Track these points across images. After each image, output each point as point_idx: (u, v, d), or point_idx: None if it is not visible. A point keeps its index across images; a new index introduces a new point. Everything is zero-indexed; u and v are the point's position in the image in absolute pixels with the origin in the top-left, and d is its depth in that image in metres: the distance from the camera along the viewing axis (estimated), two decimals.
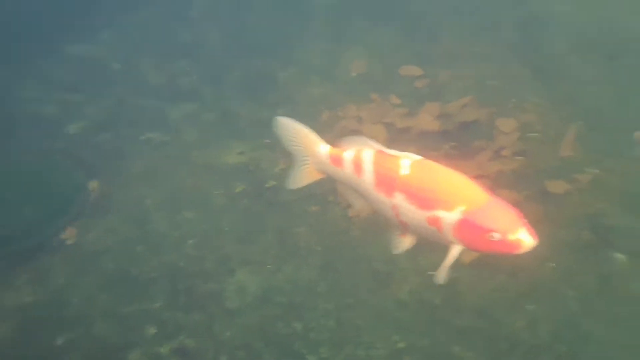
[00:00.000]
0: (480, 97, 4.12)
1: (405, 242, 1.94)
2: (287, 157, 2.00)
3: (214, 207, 3.79)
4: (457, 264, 1.78)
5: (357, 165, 1.97)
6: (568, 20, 4.59)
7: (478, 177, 3.52)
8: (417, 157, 1.85)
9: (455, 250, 1.78)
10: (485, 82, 4.30)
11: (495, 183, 3.46)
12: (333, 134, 3.94)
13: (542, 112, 3.99)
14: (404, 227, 1.90)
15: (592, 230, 3.13)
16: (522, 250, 1.64)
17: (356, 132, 3.95)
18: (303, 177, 2.15)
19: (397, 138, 3.88)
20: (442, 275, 1.79)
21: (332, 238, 3.43)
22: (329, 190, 3.60)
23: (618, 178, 3.41)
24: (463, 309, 2.88)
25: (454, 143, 3.82)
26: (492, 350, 2.69)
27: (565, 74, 4.23)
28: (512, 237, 1.63)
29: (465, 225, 1.71)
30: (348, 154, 2.00)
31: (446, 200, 1.74)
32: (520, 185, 3.46)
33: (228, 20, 5.75)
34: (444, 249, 1.78)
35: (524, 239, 1.63)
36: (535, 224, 1.67)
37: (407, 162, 1.83)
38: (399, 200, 1.84)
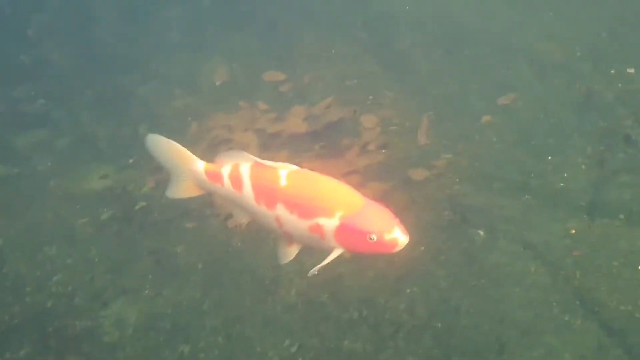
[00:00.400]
0: (342, 96, 4.32)
1: (291, 252, 2.01)
2: (156, 174, 1.97)
3: (80, 238, 3.59)
4: (340, 259, 1.89)
5: (236, 180, 1.98)
6: (412, 18, 4.96)
7: (349, 173, 3.72)
8: (294, 167, 1.92)
9: (334, 254, 1.89)
10: (345, 81, 4.52)
11: (364, 177, 3.66)
12: (205, 145, 3.92)
13: (397, 105, 4.28)
14: (289, 237, 1.97)
15: (452, 211, 3.43)
16: (398, 248, 1.79)
17: (228, 142, 3.98)
18: (183, 190, 2.13)
19: (269, 143, 3.95)
20: (316, 271, 1.87)
21: (214, 252, 3.41)
22: (206, 204, 3.58)
23: (469, 160, 3.76)
24: (349, 302, 3.03)
25: (323, 143, 3.98)
26: (378, 337, 2.86)
27: (414, 68, 4.57)
28: (388, 236, 1.78)
29: (345, 230, 1.82)
30: (225, 169, 2.01)
31: (325, 208, 1.83)
32: (386, 176, 3.69)
33: (73, 37, 5.44)
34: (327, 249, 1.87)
35: (399, 237, 1.78)
36: (403, 211, 1.83)
37: (284, 173, 1.89)
38: (281, 211, 1.90)
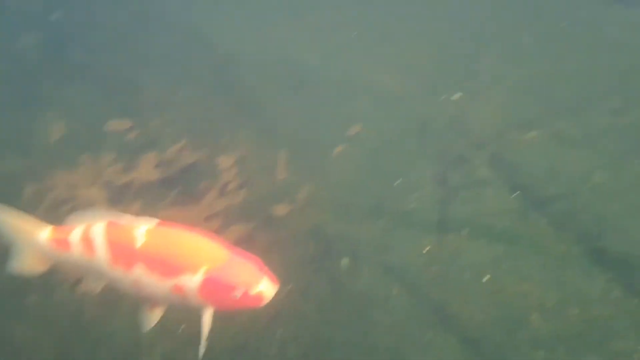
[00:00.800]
0: (194, 139, 4.24)
1: (154, 316, 1.86)
2: None
3: None
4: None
5: (88, 243, 1.79)
6: (257, 60, 5.06)
7: (209, 217, 3.63)
8: (152, 222, 1.78)
9: (207, 316, 1.78)
10: (197, 123, 4.45)
11: (225, 219, 3.60)
12: (43, 208, 3.58)
13: (252, 144, 4.30)
14: (150, 300, 1.83)
15: (316, 242, 3.50)
16: (265, 301, 1.73)
17: (70, 200, 3.68)
18: (28, 264, 1.88)
19: (119, 196, 3.73)
20: (203, 348, 1.76)
21: (64, 326, 3.09)
22: (48, 272, 3.25)
23: (327, 191, 3.88)
24: (219, 355, 2.92)
25: (178, 189, 3.85)
26: None
27: (264, 107, 4.64)
28: (254, 291, 1.70)
29: (209, 285, 1.72)
30: (75, 233, 1.81)
31: (188, 264, 1.72)
32: (248, 216, 3.67)
33: None
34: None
35: (266, 289, 1.71)
36: (268, 251, 1.79)
37: (142, 230, 1.75)
38: (140, 273, 1.75)
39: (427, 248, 3.34)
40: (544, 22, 4.49)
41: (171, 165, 4.02)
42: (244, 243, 1.87)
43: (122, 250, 1.76)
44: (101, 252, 1.79)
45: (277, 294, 1.80)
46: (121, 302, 2.98)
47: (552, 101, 3.76)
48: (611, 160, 3.25)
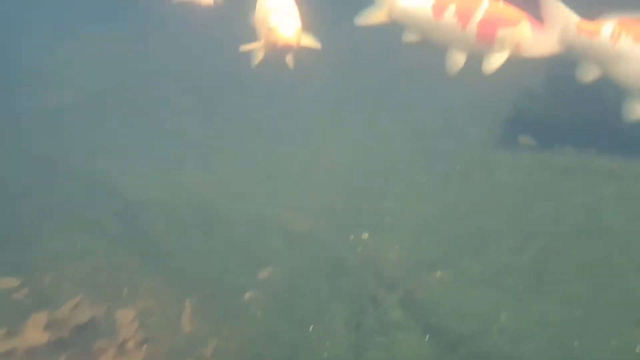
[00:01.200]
0: (92, 293, 3.97)
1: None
2: None
3: None
4: None
5: None
6: (164, 204, 4.96)
7: None
8: None
9: None
10: (96, 276, 4.20)
11: None
12: None
13: (156, 294, 4.07)
14: None
15: None
16: None
17: None
18: None
19: None
20: None
21: None
22: None
23: (237, 342, 3.67)
24: None
25: (70, 352, 3.51)
26: None
27: (171, 253, 4.48)
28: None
29: None
30: None
31: None
32: None
33: None
34: None
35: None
36: None
37: None
38: None
39: None
40: (441, 162, 4.77)
41: (64, 325, 3.69)
42: None
43: None
44: None
45: None
46: None
47: (454, 240, 3.88)
48: (515, 300, 3.32)
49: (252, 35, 4.50)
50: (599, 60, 3.94)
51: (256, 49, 4.10)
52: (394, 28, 4.87)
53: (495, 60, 3.96)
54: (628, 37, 3.75)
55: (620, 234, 3.67)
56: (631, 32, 3.72)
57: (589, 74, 3.99)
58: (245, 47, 4.18)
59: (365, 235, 4.43)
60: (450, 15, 4.01)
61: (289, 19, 3.89)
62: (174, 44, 7.57)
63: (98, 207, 4.94)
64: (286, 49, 3.97)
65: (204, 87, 6.44)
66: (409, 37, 4.29)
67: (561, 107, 4.86)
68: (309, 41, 4.17)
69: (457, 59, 4.07)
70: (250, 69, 4.56)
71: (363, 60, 6.53)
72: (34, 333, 3.60)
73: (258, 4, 4.34)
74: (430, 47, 4.75)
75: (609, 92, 4.27)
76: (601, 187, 4.09)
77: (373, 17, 4.35)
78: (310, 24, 4.34)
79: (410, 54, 5.83)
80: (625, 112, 4.02)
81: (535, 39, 3.96)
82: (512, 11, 3.97)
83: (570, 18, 3.98)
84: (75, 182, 5.22)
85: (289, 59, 4.41)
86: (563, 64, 4.16)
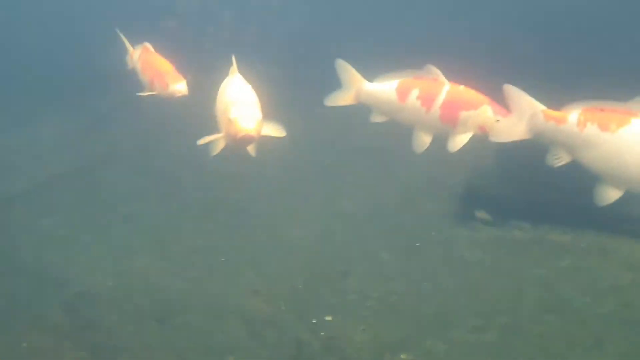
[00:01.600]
0: None
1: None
2: None
3: None
4: None
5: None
6: (117, 294, 4.74)
7: None
8: None
9: None
10: None
11: None
12: None
13: None
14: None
15: None
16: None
17: None
18: None
19: None
20: None
21: None
22: None
23: None
24: None
25: None
26: None
27: (124, 346, 4.22)
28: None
29: None
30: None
31: None
32: None
33: None
34: None
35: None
36: None
37: None
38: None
39: None
40: (401, 239, 4.79)
41: None
42: None
43: None
44: None
45: None
46: None
47: (418, 319, 3.82)
48: None
49: (213, 122, 4.55)
50: (568, 147, 4.16)
51: (216, 140, 4.13)
52: (352, 108, 5.04)
53: (460, 141, 4.15)
54: (594, 125, 3.99)
55: (578, 307, 3.71)
56: (596, 120, 3.97)
57: (559, 159, 4.20)
58: (204, 140, 4.20)
59: (329, 318, 4.32)
60: (413, 98, 4.22)
61: (249, 111, 3.93)
62: (132, 128, 7.58)
63: (46, 300, 4.67)
64: (246, 141, 4.00)
65: (160, 171, 6.39)
66: (376, 118, 4.51)
67: (513, 184, 5.03)
68: (271, 130, 4.23)
69: (423, 139, 4.26)
70: (208, 153, 4.57)
71: (322, 139, 6.66)
72: None
73: (219, 95, 4.42)
74: (388, 126, 4.91)
75: (557, 169, 4.45)
76: (556, 261, 4.18)
77: (341, 99, 4.55)
78: (274, 108, 4.43)
79: (368, 133, 6.01)
80: (596, 197, 4.20)
81: (502, 124, 4.20)
82: (474, 94, 4.19)
83: (536, 106, 4.23)
84: (21, 276, 4.96)
85: (251, 148, 4.45)
86: (515, 145, 4.35)
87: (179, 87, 5.41)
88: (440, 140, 4.47)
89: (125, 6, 9.46)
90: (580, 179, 4.59)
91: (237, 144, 4.07)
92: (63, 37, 9.76)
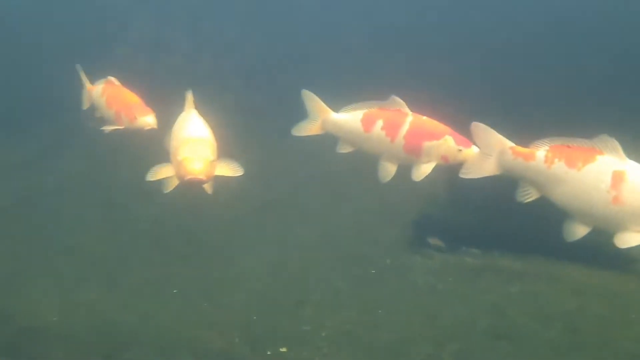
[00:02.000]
0: None
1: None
2: None
3: None
4: None
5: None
6: (62, 330, 4.53)
7: None
8: None
9: None
10: None
11: None
12: None
13: None
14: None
15: None
16: None
17: None
18: None
19: None
20: None
21: None
22: None
23: None
24: None
25: None
26: None
27: None
28: None
29: None
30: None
31: None
32: None
33: None
34: None
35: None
36: None
37: None
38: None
39: None
40: (355, 267, 4.79)
41: None
42: None
43: None
44: None
45: None
46: None
47: (373, 347, 3.80)
48: None
49: (166, 156, 4.47)
50: (536, 183, 4.29)
51: (167, 177, 4.05)
52: (309, 137, 5.06)
53: (423, 170, 4.26)
54: (561, 161, 4.13)
55: (528, 334, 3.76)
56: (564, 157, 4.10)
57: (528, 195, 4.31)
58: (154, 175, 4.13)
59: (284, 349, 4.25)
60: (378, 128, 4.33)
61: (200, 152, 3.83)
62: (83, 159, 7.41)
63: None
64: (194, 183, 3.93)
65: (110, 202, 6.24)
66: (343, 148, 4.60)
67: (466, 212, 5.12)
68: (226, 170, 4.18)
69: (389, 169, 4.36)
70: (161, 187, 4.48)
71: (277, 168, 6.66)
72: None
73: (173, 131, 4.35)
74: (345, 155, 4.95)
75: (508, 197, 4.57)
76: (507, 287, 4.24)
77: (308, 129, 4.62)
78: (230, 139, 4.38)
79: (324, 161, 6.04)
80: (564, 233, 4.32)
81: (471, 160, 4.34)
82: (436, 125, 4.30)
83: (505, 143, 4.36)
84: None
85: (207, 186, 4.37)
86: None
87: (148, 119, 5.35)
88: (405, 169, 4.55)
89: (77, 33, 9.35)
90: (531, 206, 4.73)
91: (186, 185, 4.01)
92: (13, 65, 9.53)
